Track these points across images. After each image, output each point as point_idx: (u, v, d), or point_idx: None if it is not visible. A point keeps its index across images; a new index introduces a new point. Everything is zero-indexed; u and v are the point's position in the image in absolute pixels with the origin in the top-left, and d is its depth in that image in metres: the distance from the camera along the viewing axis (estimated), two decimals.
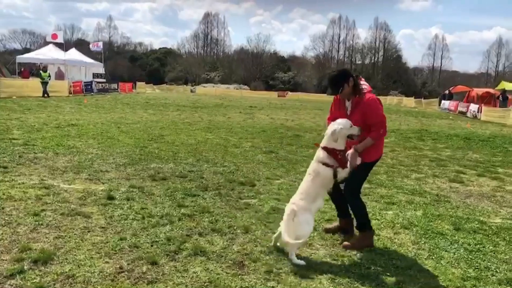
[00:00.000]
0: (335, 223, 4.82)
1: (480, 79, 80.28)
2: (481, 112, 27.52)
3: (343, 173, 4.16)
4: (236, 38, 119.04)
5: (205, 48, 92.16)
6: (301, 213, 3.99)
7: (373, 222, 5.06)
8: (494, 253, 4.43)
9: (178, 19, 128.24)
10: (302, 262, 3.86)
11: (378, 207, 5.78)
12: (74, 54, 37.59)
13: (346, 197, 4.46)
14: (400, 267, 3.94)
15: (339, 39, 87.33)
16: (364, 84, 4.29)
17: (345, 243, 4.39)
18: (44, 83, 25.25)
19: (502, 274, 3.94)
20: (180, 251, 3.96)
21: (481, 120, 26.41)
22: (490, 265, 4.12)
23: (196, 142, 10.42)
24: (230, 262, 3.82)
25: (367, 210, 4.54)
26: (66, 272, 3.45)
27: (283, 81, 77.24)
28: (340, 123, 4.15)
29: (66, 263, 3.61)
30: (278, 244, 4.14)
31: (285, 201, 5.70)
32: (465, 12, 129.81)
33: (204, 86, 65.11)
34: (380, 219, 5.29)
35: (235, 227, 4.67)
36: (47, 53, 33.83)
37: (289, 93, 60.75)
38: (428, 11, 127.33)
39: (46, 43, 36.96)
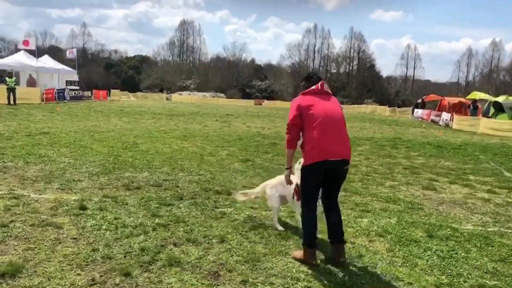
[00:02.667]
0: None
1: (451, 88, 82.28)
2: (453, 120, 28.17)
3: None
4: (211, 46, 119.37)
5: (181, 55, 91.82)
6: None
7: (348, 230, 5.11)
8: (466, 260, 4.50)
9: (152, 26, 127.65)
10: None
11: (353, 215, 5.82)
12: (46, 61, 36.85)
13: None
14: (375, 275, 3.97)
15: (314, 48, 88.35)
16: (312, 87, 4.31)
17: (294, 253, 4.31)
18: (10, 89, 24.57)
19: (474, 280, 4.01)
20: (154, 262, 3.89)
21: (453, 128, 27.02)
22: (462, 271, 4.19)
23: (171, 151, 10.32)
24: (205, 272, 3.78)
25: (342, 218, 4.46)
26: (35, 285, 3.35)
27: (259, 89, 77.53)
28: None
29: (35, 276, 3.50)
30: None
31: (261, 210, 5.72)
32: (434, 23, 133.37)
33: (180, 94, 64.75)
34: (355, 227, 5.33)
35: (210, 237, 4.63)
36: (18, 60, 33.07)
37: (266, 101, 60.99)
38: (399, 22, 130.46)
39: (17, 50, 36.19)
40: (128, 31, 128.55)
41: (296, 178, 4.59)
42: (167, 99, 56.10)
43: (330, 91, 4.39)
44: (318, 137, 4.07)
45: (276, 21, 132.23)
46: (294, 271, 3.94)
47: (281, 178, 4.93)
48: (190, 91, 70.75)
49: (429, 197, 7.26)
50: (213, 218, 5.31)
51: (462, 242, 5.05)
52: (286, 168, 4.47)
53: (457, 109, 32.68)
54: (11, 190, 5.96)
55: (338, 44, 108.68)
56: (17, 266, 3.60)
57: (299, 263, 4.10)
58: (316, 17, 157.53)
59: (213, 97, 63.09)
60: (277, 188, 5.11)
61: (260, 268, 3.93)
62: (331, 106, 4.25)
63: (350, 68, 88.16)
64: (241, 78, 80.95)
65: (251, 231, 4.89)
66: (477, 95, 32.79)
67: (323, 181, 4.20)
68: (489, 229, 5.63)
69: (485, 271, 4.25)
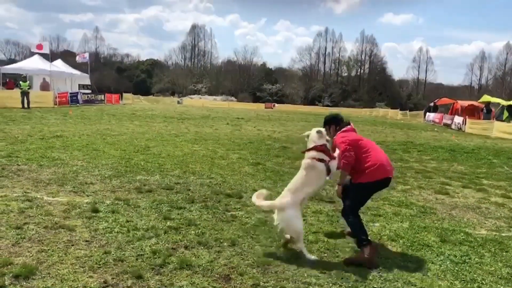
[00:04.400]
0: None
1: (464, 91, 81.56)
2: (465, 124, 27.90)
3: (333, 163, 4.62)
4: (221, 50, 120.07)
5: (193, 59, 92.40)
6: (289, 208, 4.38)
7: None
8: (480, 265, 4.45)
9: (163, 30, 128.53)
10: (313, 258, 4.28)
11: (364, 219, 5.76)
12: (59, 65, 37.29)
13: (344, 214, 4.83)
14: (387, 280, 3.93)
15: (325, 52, 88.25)
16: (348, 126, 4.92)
17: (346, 258, 4.39)
18: (24, 93, 24.89)
19: (488, 286, 3.96)
20: (166, 265, 3.91)
21: (465, 132, 26.76)
22: (476, 277, 4.14)
23: (182, 154, 10.36)
24: (216, 275, 3.78)
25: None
26: (48, 287, 3.38)
27: (270, 93, 77.64)
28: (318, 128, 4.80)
29: (48, 277, 3.53)
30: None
31: (272, 213, 5.70)
32: (445, 26, 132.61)
33: (191, 98, 65.08)
34: (367, 231, 5.29)
35: (221, 240, 4.63)
36: (32, 64, 33.49)
37: (276, 105, 61.01)
38: (409, 25, 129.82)
39: (32, 54, 36.64)
40: (140, 36, 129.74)
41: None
42: (178, 102, 56.37)
43: None
44: (378, 159, 4.62)
45: (286, 24, 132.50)
46: (305, 275, 3.92)
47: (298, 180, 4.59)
48: (201, 95, 71.08)
49: (441, 202, 7.19)
50: (224, 221, 5.32)
51: (475, 247, 4.99)
52: (338, 184, 4.81)
53: (470, 112, 32.39)
54: (25, 192, 6.03)
55: (349, 47, 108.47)
56: (30, 268, 3.64)
57: (310, 267, 4.08)
58: (326, 21, 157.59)
59: (224, 100, 63.32)
60: (298, 197, 4.50)
61: (271, 272, 3.92)
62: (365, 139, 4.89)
63: (362, 71, 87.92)
64: (252, 82, 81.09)
65: (262, 235, 4.88)
66: (488, 99, 32.41)
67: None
68: (503, 234, 5.56)
69: (499, 276, 4.19)
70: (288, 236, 4.51)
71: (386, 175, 4.64)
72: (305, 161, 4.61)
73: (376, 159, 4.62)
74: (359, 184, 4.63)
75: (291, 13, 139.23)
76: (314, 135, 4.68)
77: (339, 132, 4.86)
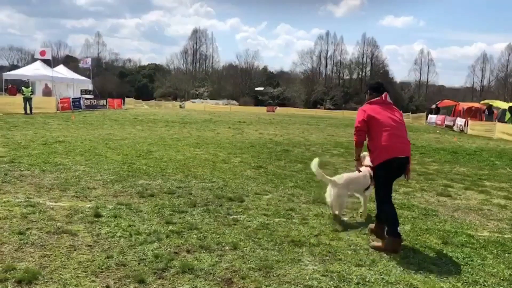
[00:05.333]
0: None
1: (466, 93, 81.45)
2: (467, 126, 27.86)
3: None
4: (223, 54, 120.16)
5: (194, 64, 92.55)
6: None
7: (361, 237, 5.09)
8: (482, 267, 4.45)
9: (164, 35, 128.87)
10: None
11: (366, 222, 5.79)
12: (62, 70, 37.44)
13: (376, 203, 5.13)
14: (389, 282, 3.93)
15: (327, 55, 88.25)
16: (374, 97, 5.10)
17: (373, 243, 4.88)
18: (26, 99, 24.98)
19: None
20: (168, 269, 3.92)
21: (467, 134, 26.72)
22: (478, 278, 4.14)
23: (184, 158, 10.38)
24: (218, 279, 3.79)
25: (393, 216, 4.88)
26: None
27: (272, 96, 77.67)
28: None
29: (51, 282, 3.55)
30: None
31: (274, 217, 5.72)
32: (446, 28, 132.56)
33: (193, 102, 65.15)
34: (369, 233, 5.29)
35: (223, 244, 4.64)
36: (35, 70, 33.66)
37: (278, 108, 61.02)
38: (410, 27, 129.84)
39: (34, 60, 36.81)
40: (141, 40, 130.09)
41: (366, 170, 5.62)
42: (180, 107, 56.46)
43: (391, 102, 5.14)
44: (388, 139, 4.80)
45: (286, 28, 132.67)
46: (307, 278, 3.92)
47: (352, 176, 5.65)
48: (203, 99, 71.18)
49: (444, 204, 7.18)
50: (226, 225, 5.32)
51: (478, 249, 4.98)
52: (355, 159, 5.29)
53: (472, 114, 32.32)
54: (27, 198, 6.06)
55: (350, 50, 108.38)
56: (33, 272, 3.65)
57: (312, 271, 4.09)
58: (326, 24, 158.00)
59: (225, 104, 63.32)
60: (349, 187, 5.69)
61: (273, 275, 3.93)
62: (393, 114, 5.00)
63: (363, 74, 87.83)
64: (253, 86, 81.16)
65: (263, 238, 4.89)
66: (492, 102, 32.34)
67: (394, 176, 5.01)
68: (505, 236, 5.55)
69: (501, 278, 4.19)
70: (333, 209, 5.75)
71: (393, 155, 4.77)
72: (364, 169, 5.54)
73: (384, 139, 4.79)
74: (374, 168, 5.02)
75: (291, 16, 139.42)
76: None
77: (366, 102, 5.11)
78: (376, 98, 5.04)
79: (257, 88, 73.68)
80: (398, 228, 4.76)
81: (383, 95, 5.05)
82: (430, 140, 20.13)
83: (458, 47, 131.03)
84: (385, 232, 4.82)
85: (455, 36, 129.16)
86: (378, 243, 4.83)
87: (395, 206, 6.43)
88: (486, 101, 34.06)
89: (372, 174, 5.36)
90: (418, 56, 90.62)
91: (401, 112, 5.25)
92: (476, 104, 35.73)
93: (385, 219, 4.87)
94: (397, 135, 4.87)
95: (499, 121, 27.15)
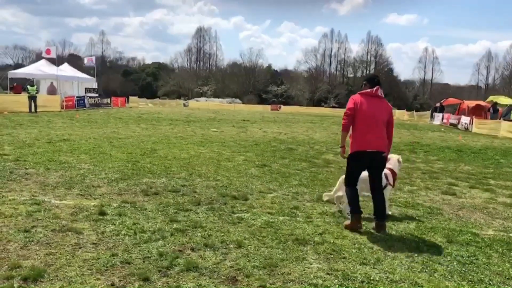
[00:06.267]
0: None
1: (471, 91, 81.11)
2: (472, 124, 27.75)
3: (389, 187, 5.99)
4: (226, 52, 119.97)
5: (198, 62, 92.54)
6: None
7: (366, 235, 5.09)
8: (487, 266, 4.43)
9: (168, 33, 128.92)
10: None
11: (371, 220, 5.77)
12: (66, 69, 37.54)
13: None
14: (394, 281, 3.93)
15: (331, 53, 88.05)
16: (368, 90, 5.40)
17: (344, 222, 5.47)
18: (31, 98, 25.07)
19: (495, 287, 3.94)
20: (173, 267, 3.92)
21: (472, 132, 26.61)
22: (483, 277, 4.12)
23: (188, 156, 10.39)
24: (223, 277, 3.79)
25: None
26: None
27: (276, 95, 77.60)
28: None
29: (56, 280, 3.56)
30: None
31: (278, 215, 5.72)
32: (449, 26, 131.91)
33: (197, 100, 65.21)
34: (374, 232, 5.29)
35: (227, 242, 4.64)
36: (40, 68, 33.76)
37: (282, 106, 60.98)
38: (414, 25, 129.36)
39: (38, 58, 36.93)
40: (145, 39, 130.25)
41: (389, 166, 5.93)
42: (184, 105, 56.53)
43: (382, 96, 5.40)
44: (360, 133, 5.21)
45: (290, 26, 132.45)
46: (311, 276, 3.92)
47: (362, 176, 5.56)
48: (207, 97, 71.22)
49: (448, 202, 7.16)
50: (230, 223, 5.33)
51: (483, 247, 4.96)
52: (340, 147, 5.54)
53: (476, 112, 32.20)
54: (32, 196, 6.08)
55: (354, 48, 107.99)
56: (39, 270, 3.67)
57: (317, 269, 4.09)
58: (330, 22, 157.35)
59: (229, 103, 63.34)
60: (360, 185, 5.61)
61: (278, 274, 3.93)
62: (377, 109, 5.29)
63: (368, 72, 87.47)
64: (257, 84, 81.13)
65: (268, 236, 4.89)
66: (497, 98, 32.16)
67: (367, 167, 5.39)
68: (511, 235, 5.52)
69: (507, 277, 4.17)
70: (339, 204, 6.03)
71: (360, 148, 5.22)
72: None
73: (359, 132, 5.24)
74: (349, 155, 5.42)
75: (295, 14, 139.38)
76: (395, 161, 6.11)
77: (358, 92, 5.48)
78: (367, 90, 5.37)
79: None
80: (356, 208, 5.34)
81: (374, 89, 5.34)
82: (435, 139, 20.07)
83: (463, 45, 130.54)
84: (349, 211, 5.46)
85: (459, 33, 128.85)
86: (348, 222, 5.42)
87: (399, 204, 6.46)
88: (491, 97, 33.86)
89: (387, 174, 5.81)
90: (423, 54, 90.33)
91: (390, 106, 5.50)
92: (481, 102, 35.58)
93: (348, 199, 5.46)
94: (373, 130, 5.21)
95: (504, 119, 27.03)
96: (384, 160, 5.42)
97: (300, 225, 5.38)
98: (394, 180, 6.02)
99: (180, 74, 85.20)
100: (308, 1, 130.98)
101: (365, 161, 5.30)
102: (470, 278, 4.09)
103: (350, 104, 5.32)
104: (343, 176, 5.82)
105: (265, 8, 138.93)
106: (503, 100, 32.28)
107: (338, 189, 6.05)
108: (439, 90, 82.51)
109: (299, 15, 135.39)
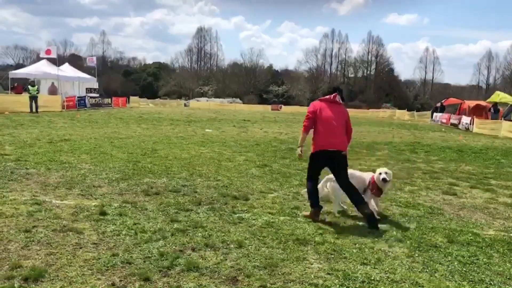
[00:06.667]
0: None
1: (472, 91, 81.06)
2: (473, 124, 27.73)
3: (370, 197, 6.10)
4: (227, 52, 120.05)
5: (199, 62, 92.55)
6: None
7: (367, 235, 5.09)
8: (488, 266, 4.42)
9: (168, 33, 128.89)
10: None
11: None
12: (67, 69, 37.57)
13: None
14: (394, 281, 3.92)
15: (331, 53, 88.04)
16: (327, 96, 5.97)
17: (303, 213, 5.92)
18: (32, 98, 25.08)
19: (496, 287, 3.94)
20: (173, 267, 3.93)
21: (473, 132, 26.59)
22: (484, 277, 4.12)
23: (189, 156, 10.40)
24: (223, 277, 3.80)
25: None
26: None
27: (276, 95, 77.58)
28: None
29: (57, 280, 3.57)
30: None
31: (279, 215, 5.72)
32: (451, 26, 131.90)
33: (198, 100, 65.21)
34: (374, 231, 5.29)
35: (228, 242, 4.64)
36: (40, 69, 33.79)
37: (283, 106, 60.96)
38: (414, 25, 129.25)
39: (39, 59, 36.96)
40: (145, 39, 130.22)
41: (368, 176, 6.14)
42: (185, 105, 56.54)
43: (340, 102, 5.92)
44: (321, 134, 5.75)
45: (290, 26, 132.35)
46: (312, 276, 3.92)
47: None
48: (207, 97, 71.21)
49: (449, 202, 7.16)
50: (231, 223, 5.33)
51: (483, 247, 4.96)
52: (298, 147, 6.10)
53: (477, 112, 32.17)
54: (33, 196, 6.09)
55: (355, 48, 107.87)
56: (39, 270, 3.67)
57: (317, 269, 4.09)
58: (330, 22, 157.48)
59: (230, 103, 63.32)
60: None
61: (278, 274, 3.93)
62: (335, 113, 5.82)
63: (368, 72, 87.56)
64: (258, 84, 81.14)
65: (269, 236, 4.89)
66: (500, 95, 32.00)
67: (328, 165, 5.86)
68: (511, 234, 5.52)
69: (508, 277, 4.17)
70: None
71: (320, 148, 5.74)
72: (367, 174, 6.28)
73: (319, 133, 5.77)
74: (311, 154, 5.89)
75: (295, 14, 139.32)
76: (378, 177, 5.94)
77: (317, 99, 6.11)
78: (326, 97, 5.93)
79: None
80: (316, 202, 5.74)
81: (332, 95, 5.89)
82: (435, 139, 20.06)
83: (463, 44, 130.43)
84: (310, 204, 5.80)
85: (460, 33, 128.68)
86: (307, 213, 5.82)
87: (400, 204, 6.47)
88: (493, 96, 33.73)
89: (369, 181, 6.06)
90: (423, 54, 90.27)
91: (346, 111, 6.03)
92: (481, 102, 35.53)
93: (308, 193, 5.90)
94: (331, 132, 5.74)
95: (504, 119, 27.00)
96: (344, 158, 5.78)
97: (300, 225, 5.38)
98: (375, 189, 5.99)
99: (181, 74, 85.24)
100: (308, 1, 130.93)
101: (326, 159, 5.79)
102: (471, 278, 4.08)
103: (311, 108, 5.92)
104: (328, 176, 6.12)
105: (265, 8, 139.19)
106: (503, 96, 32.04)
107: (321, 188, 6.14)
108: (439, 90, 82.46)
109: (299, 15, 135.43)
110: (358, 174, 6.27)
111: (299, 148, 6.06)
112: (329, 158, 5.76)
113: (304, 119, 5.90)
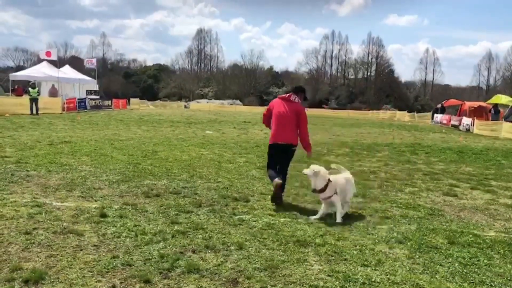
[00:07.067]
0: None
1: (472, 92, 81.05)
2: (473, 125, 27.72)
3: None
4: (227, 54, 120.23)
5: (199, 64, 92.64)
6: None
7: (367, 237, 5.09)
8: (488, 267, 4.42)
9: (168, 35, 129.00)
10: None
11: (372, 222, 5.78)
12: (67, 71, 37.60)
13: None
14: (395, 282, 3.92)
15: (332, 54, 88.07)
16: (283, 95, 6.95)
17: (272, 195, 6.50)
18: (33, 100, 25.11)
19: None
20: (174, 269, 3.92)
21: (473, 133, 26.59)
22: (485, 279, 4.11)
23: (190, 158, 10.40)
24: (224, 279, 3.79)
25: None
26: None
27: (276, 96, 77.56)
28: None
29: (57, 282, 3.57)
30: None
31: (279, 217, 5.72)
32: (451, 27, 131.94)
33: (198, 102, 65.23)
34: (375, 233, 5.28)
35: (229, 244, 4.64)
36: (41, 71, 33.82)
37: None
38: (414, 26, 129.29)
39: (40, 61, 37.01)
40: (145, 41, 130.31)
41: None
42: (185, 107, 56.55)
43: (295, 101, 6.66)
44: (274, 128, 6.60)
45: (290, 28, 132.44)
46: (313, 278, 3.92)
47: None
48: (208, 99, 71.25)
49: (450, 203, 7.15)
50: (231, 225, 5.33)
51: (484, 249, 4.95)
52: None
53: (477, 113, 32.16)
54: (34, 198, 6.09)
55: (355, 49, 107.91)
56: (40, 272, 3.67)
57: (318, 271, 4.08)
58: (330, 24, 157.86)
59: (230, 104, 63.33)
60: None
61: (279, 275, 3.92)
62: (288, 110, 6.55)
63: (368, 73, 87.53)
64: (258, 85, 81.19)
65: (269, 238, 4.89)
66: (501, 99, 31.98)
67: (279, 155, 6.61)
68: None
69: (508, 278, 4.16)
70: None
71: (273, 141, 6.60)
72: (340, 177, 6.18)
73: (273, 128, 6.66)
74: (268, 144, 6.76)
75: (295, 16, 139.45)
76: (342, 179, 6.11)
77: (278, 96, 7.14)
78: (283, 95, 6.88)
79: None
80: (276, 179, 6.30)
81: (287, 95, 6.77)
82: (436, 140, 20.05)
83: (463, 45, 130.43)
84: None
85: (460, 34, 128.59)
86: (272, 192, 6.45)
87: (401, 205, 6.48)
88: (493, 99, 33.70)
89: (330, 181, 5.92)
90: (424, 56, 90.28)
91: (300, 108, 6.68)
92: (482, 103, 35.53)
93: (269, 176, 6.68)
94: (282, 127, 6.52)
95: (505, 120, 26.99)
96: (293, 152, 6.59)
97: (301, 227, 5.38)
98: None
99: (181, 76, 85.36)
100: (308, 2, 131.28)
101: (278, 150, 6.57)
102: (472, 280, 4.08)
103: (270, 104, 6.93)
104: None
105: (265, 10, 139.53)
106: (503, 98, 32.01)
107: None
108: (440, 91, 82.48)
109: (299, 17, 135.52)
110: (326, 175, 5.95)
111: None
112: (280, 150, 6.55)
113: (264, 112, 7.02)
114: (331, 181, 5.84)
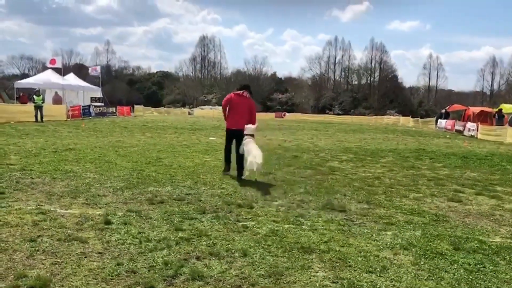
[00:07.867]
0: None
1: (476, 97, 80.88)
2: (478, 130, 27.63)
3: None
4: (230, 61, 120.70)
5: (203, 70, 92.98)
6: None
7: (372, 243, 5.07)
8: (494, 273, 4.39)
9: (172, 42, 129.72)
10: None
11: (376, 228, 5.76)
12: (72, 78, 37.85)
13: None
14: None
15: (335, 60, 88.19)
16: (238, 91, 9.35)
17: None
18: (38, 107, 25.25)
19: None
20: (178, 276, 3.92)
21: (478, 138, 26.49)
22: (490, 285, 4.09)
23: (193, 165, 10.41)
24: (228, 286, 3.78)
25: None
26: None
27: (280, 102, 77.72)
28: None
29: None
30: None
31: (283, 223, 5.71)
32: (454, 32, 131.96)
33: (201, 108, 65.37)
34: (379, 239, 5.26)
35: (233, 250, 4.63)
36: (45, 78, 34.04)
37: (287, 114, 61.02)
38: (417, 32, 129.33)
39: (45, 68, 37.25)
40: (149, 48, 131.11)
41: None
42: (189, 113, 56.67)
43: (247, 96, 9.17)
44: (229, 117, 9.12)
45: (293, 34, 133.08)
46: (317, 285, 3.90)
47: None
48: (211, 106, 71.38)
49: (454, 209, 7.12)
50: (235, 231, 5.32)
51: (490, 255, 4.92)
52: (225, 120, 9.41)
53: (482, 118, 32.08)
54: (38, 205, 6.10)
55: (358, 55, 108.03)
56: (44, 280, 3.67)
57: (322, 277, 4.07)
58: (332, 30, 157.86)
59: None
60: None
61: (283, 282, 3.91)
62: (241, 103, 9.09)
63: (372, 79, 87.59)
64: (262, 92, 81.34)
65: (273, 245, 4.88)
66: (506, 108, 31.90)
67: (235, 138, 9.10)
68: None
69: None
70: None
71: (229, 127, 9.16)
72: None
73: (229, 116, 9.11)
74: (226, 129, 9.37)
75: (297, 22, 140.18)
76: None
77: (232, 92, 9.45)
78: (237, 91, 9.16)
79: None
80: (229, 165, 9.19)
81: (241, 91, 9.10)
82: (440, 145, 19.99)
83: (466, 51, 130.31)
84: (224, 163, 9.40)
85: (463, 40, 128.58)
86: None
87: (405, 211, 6.45)
88: (503, 106, 33.58)
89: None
90: (427, 61, 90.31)
91: (251, 102, 9.31)
92: (486, 108, 35.43)
93: (224, 156, 9.34)
94: (236, 116, 8.98)
95: (510, 125, 26.89)
96: (242, 135, 8.82)
97: (305, 233, 5.37)
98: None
99: (185, 83, 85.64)
100: (310, 8, 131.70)
101: (233, 134, 9.07)
102: (478, 286, 4.05)
103: (227, 98, 9.21)
104: (244, 141, 8.89)
105: (267, 17, 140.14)
106: (506, 107, 31.99)
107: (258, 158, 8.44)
108: (444, 97, 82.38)
109: (301, 23, 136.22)
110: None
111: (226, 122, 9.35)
112: (234, 134, 8.99)
113: (222, 105, 9.22)
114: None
